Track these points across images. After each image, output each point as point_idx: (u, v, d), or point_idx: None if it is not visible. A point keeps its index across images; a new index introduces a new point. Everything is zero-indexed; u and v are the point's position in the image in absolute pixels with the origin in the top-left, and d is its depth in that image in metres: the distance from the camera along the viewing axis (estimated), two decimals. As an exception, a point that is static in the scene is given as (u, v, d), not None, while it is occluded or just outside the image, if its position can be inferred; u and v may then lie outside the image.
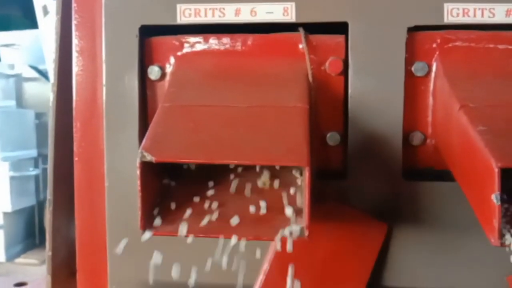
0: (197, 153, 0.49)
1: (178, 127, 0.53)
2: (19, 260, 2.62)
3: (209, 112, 0.55)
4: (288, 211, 0.50)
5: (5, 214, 2.56)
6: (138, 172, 0.47)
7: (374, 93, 0.62)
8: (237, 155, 0.48)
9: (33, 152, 2.77)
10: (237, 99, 0.57)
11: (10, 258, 2.60)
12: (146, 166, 0.48)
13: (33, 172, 2.72)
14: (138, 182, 0.47)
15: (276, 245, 0.48)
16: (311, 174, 0.46)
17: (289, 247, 0.47)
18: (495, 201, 0.46)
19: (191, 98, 0.59)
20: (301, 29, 0.63)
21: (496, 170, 0.45)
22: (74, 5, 0.69)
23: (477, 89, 0.59)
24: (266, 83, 0.61)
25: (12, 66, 2.87)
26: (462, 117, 0.54)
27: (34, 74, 2.89)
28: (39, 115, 2.81)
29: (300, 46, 0.63)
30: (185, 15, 0.64)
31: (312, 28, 0.64)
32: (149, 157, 0.47)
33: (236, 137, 0.51)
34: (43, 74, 2.81)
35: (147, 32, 0.65)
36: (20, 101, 2.92)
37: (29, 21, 2.80)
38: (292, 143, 0.49)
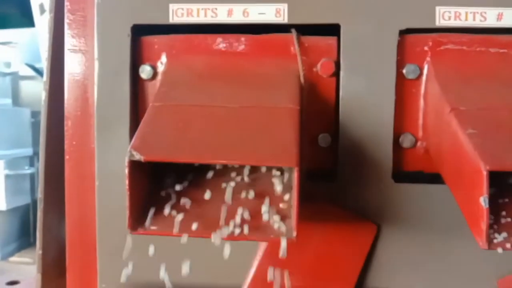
0: (186, 153, 0.49)
1: (168, 126, 0.53)
2: (13, 258, 2.61)
3: (199, 112, 0.55)
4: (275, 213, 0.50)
5: (-1, 212, 2.55)
6: (126, 171, 0.47)
7: (365, 95, 0.62)
8: (225, 155, 0.48)
9: (29, 151, 2.76)
10: (228, 99, 0.57)
11: (5, 256, 2.59)
12: (135, 165, 0.48)
13: (28, 170, 2.72)
14: (127, 181, 0.47)
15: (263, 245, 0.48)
16: (300, 174, 0.46)
17: (282, 252, 0.46)
18: (483, 204, 0.46)
19: (181, 97, 0.58)
20: (293, 30, 0.63)
21: (485, 173, 0.45)
22: (66, 3, 0.69)
23: (468, 92, 0.59)
24: (257, 83, 0.61)
25: (8, 64, 2.87)
26: (452, 120, 0.54)
27: (31, 72, 2.89)
28: (35, 114, 2.81)
29: (292, 47, 0.63)
30: (178, 14, 0.64)
31: (305, 30, 0.64)
32: (137, 156, 0.47)
33: (225, 137, 0.51)
34: (40, 73, 2.81)
35: (140, 31, 0.65)
36: (16, 99, 2.92)
37: (26, 19, 2.80)
38: (282, 143, 0.49)
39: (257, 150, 0.49)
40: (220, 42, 0.64)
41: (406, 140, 0.64)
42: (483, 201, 0.46)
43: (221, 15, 0.63)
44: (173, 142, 0.50)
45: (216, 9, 0.63)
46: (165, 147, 0.50)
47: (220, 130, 0.52)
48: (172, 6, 0.64)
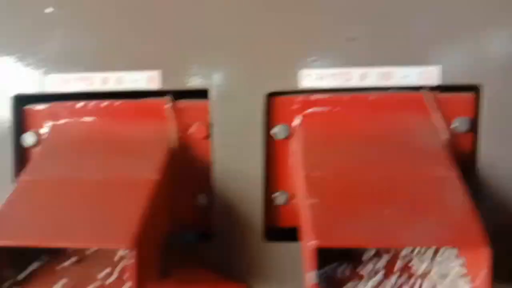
0: (33, 237, 0.51)
1: (27, 206, 0.55)
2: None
3: (61, 188, 0.57)
4: None
5: None
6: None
7: (235, 157, 0.64)
8: (67, 238, 0.50)
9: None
10: (95, 171, 0.59)
11: None
12: None
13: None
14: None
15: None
16: (139, 256, 0.48)
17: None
18: (310, 279, 0.48)
19: (50, 170, 0.60)
20: (168, 96, 0.65)
21: (311, 248, 0.47)
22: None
23: (329, 155, 0.60)
24: (128, 151, 0.63)
25: None
26: (303, 185, 0.55)
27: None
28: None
29: (166, 111, 0.65)
30: (55, 84, 0.66)
31: (180, 94, 0.65)
32: None
33: (75, 217, 0.52)
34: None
35: (24, 101, 0.67)
36: None
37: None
38: (124, 224, 0.51)
39: (98, 232, 0.51)
40: (96, 109, 0.66)
41: (280, 198, 0.65)
42: (311, 276, 0.48)
43: (97, 83, 0.65)
44: (25, 225, 0.52)
45: (91, 77, 0.65)
46: (15, 231, 0.52)
47: (73, 209, 0.54)
48: (50, 77, 0.66)
